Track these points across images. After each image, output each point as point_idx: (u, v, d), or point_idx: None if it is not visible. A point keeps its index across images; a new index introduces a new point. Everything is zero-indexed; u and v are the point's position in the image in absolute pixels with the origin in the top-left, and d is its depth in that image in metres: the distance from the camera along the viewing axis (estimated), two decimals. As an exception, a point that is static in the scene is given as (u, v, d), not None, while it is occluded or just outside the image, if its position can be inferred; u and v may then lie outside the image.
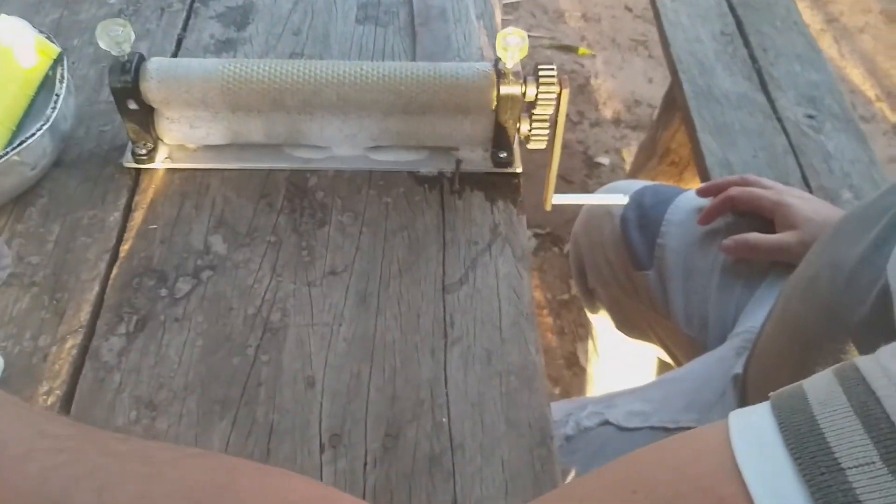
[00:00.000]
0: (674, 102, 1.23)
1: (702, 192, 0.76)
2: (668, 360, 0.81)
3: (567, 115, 1.93)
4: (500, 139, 0.60)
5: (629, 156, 1.72)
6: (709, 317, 0.70)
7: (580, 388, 1.30)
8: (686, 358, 0.75)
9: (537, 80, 0.56)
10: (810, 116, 1.05)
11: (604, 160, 1.71)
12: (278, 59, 0.69)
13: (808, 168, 0.96)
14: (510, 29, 0.55)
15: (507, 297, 0.54)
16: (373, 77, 0.56)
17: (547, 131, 0.60)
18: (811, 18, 2.10)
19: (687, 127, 1.09)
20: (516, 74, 0.56)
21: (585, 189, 1.65)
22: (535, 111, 0.58)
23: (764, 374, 0.52)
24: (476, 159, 0.62)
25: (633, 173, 1.44)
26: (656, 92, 1.88)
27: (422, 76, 0.57)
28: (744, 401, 0.54)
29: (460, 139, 0.60)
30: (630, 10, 2.12)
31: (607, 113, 1.83)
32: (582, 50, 1.96)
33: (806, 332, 0.47)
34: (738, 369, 0.57)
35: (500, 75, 0.57)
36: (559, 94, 0.57)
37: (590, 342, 1.06)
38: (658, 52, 1.98)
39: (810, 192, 0.92)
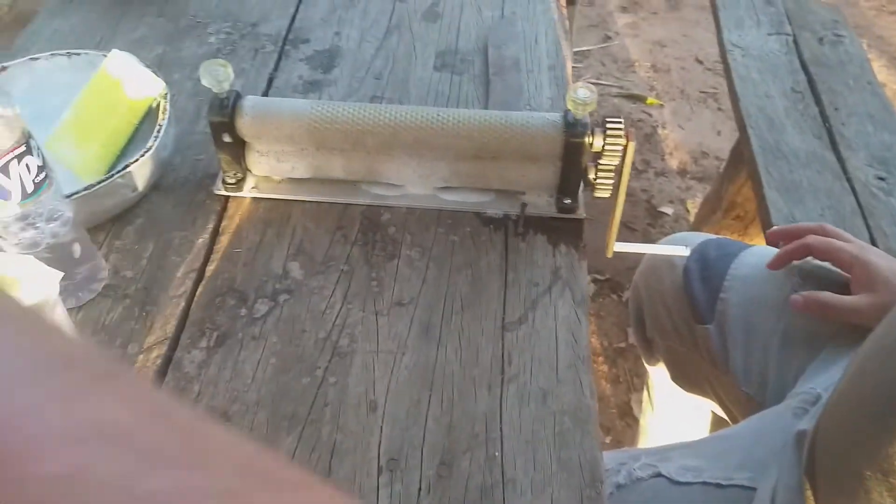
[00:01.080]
0: (741, 157, 1.24)
1: (773, 236, 0.74)
2: (723, 415, 0.81)
3: (633, 164, 1.94)
4: (565, 186, 0.63)
5: (693, 207, 1.72)
6: (768, 376, 0.70)
7: (632, 438, 1.29)
8: (742, 415, 0.75)
9: (605, 132, 0.59)
10: (881, 178, 1.04)
11: (668, 210, 1.71)
12: (361, 101, 0.74)
13: (876, 230, 0.95)
14: (580, 83, 0.58)
15: (565, 339, 0.56)
16: (448, 122, 0.60)
17: (612, 181, 0.62)
18: (887, 78, 2.07)
19: (753, 182, 1.09)
20: (584, 125, 0.59)
21: (647, 238, 1.65)
22: (601, 161, 0.61)
23: (834, 437, 0.52)
24: (541, 204, 0.64)
25: (697, 225, 1.44)
26: (724, 144, 1.88)
27: (494, 124, 0.60)
28: (811, 460, 0.54)
29: (527, 184, 0.63)
30: (701, 62, 2.13)
31: (673, 163, 1.83)
32: (650, 100, 1.98)
33: (881, 400, 0.47)
34: (803, 426, 0.57)
35: (569, 126, 0.59)
36: (625, 146, 0.59)
37: (644, 393, 1.06)
38: (727, 105, 1.98)
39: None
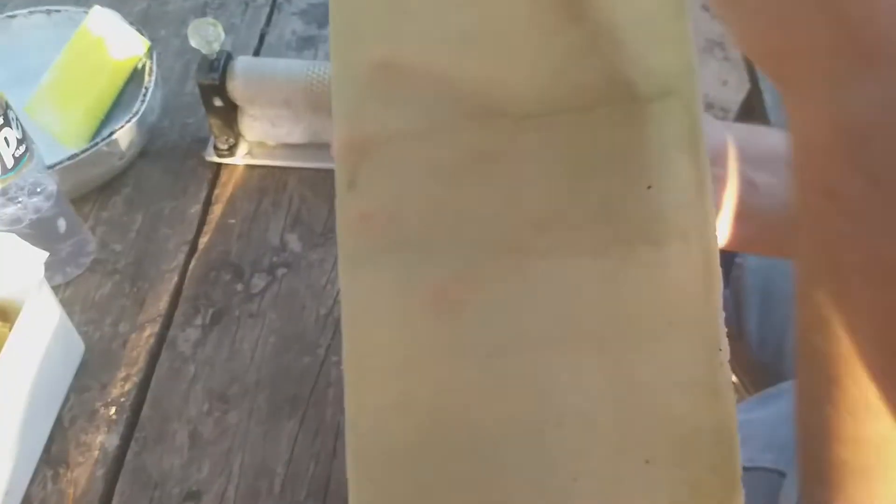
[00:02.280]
0: (752, 111, 1.20)
1: None
2: (733, 379, 0.79)
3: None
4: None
5: (698, 161, 1.68)
6: (785, 345, 0.68)
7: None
8: (753, 383, 0.73)
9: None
10: None
11: (671, 165, 1.67)
12: (358, 58, 0.70)
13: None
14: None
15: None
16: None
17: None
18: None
19: (765, 138, 1.05)
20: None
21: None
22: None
23: None
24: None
25: (703, 181, 1.40)
26: (730, 96, 1.83)
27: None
28: None
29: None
30: (707, 10, 2.05)
31: (677, 116, 1.79)
32: (655, 50, 1.92)
33: None
34: None
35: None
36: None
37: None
38: (735, 55, 1.93)
39: None
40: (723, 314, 0.30)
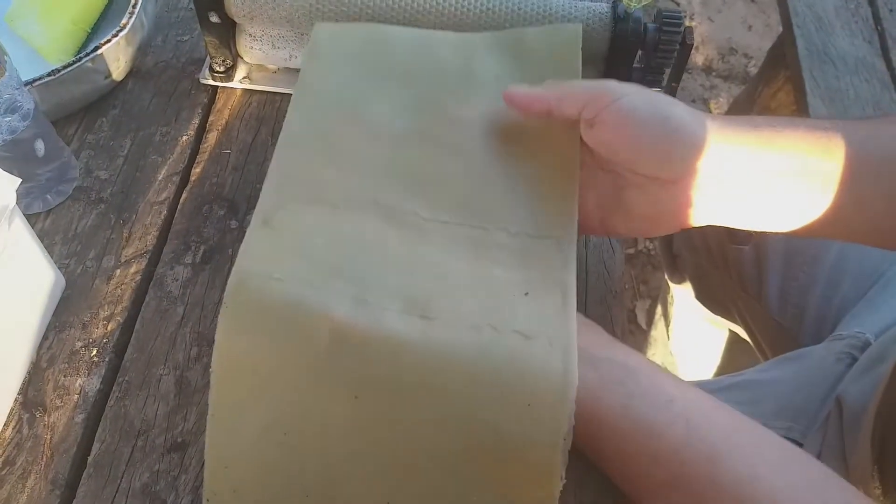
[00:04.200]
0: (781, 58, 1.13)
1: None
2: (748, 339, 0.76)
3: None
4: (605, 91, 0.54)
5: (717, 108, 1.62)
6: (807, 306, 0.64)
7: (636, 346, 1.26)
8: (770, 345, 0.70)
9: (659, 30, 0.50)
10: (937, 91, 0.95)
11: (689, 111, 1.61)
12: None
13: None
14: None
15: (596, 270, 0.50)
16: (473, 10, 0.51)
17: (661, 86, 0.54)
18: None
19: (795, 89, 1.00)
20: (637, 21, 0.50)
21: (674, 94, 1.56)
22: (651, 62, 0.52)
23: None
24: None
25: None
26: (754, 41, 1.75)
27: (528, 14, 0.51)
28: (880, 440, 0.48)
29: (562, 87, 0.55)
30: (737, -52, 1.95)
31: (698, 59, 1.71)
32: (679, -12, 1.83)
33: None
34: (845, 386, 0.52)
35: (618, 21, 0.50)
36: (681, 48, 0.51)
37: (659, 306, 1.01)
38: (762, -2, 1.84)
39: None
40: (573, 408, 0.35)
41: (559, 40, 0.47)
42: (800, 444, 0.53)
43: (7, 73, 0.43)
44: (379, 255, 0.39)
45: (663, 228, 0.44)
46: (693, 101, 1.63)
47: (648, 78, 0.53)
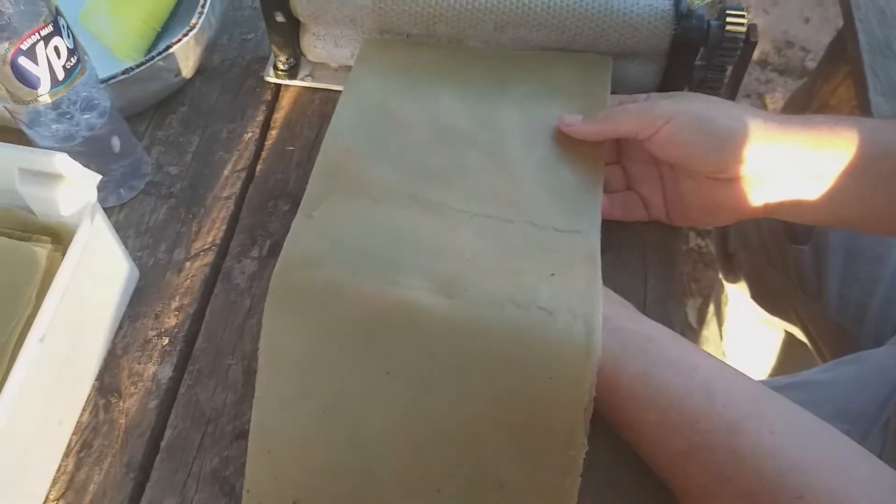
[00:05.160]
0: (842, 53, 1.10)
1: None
2: (805, 341, 0.75)
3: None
4: (667, 88, 0.54)
5: (772, 103, 1.59)
6: (870, 308, 0.63)
7: (686, 346, 1.25)
8: (829, 347, 0.69)
9: (723, 27, 0.50)
10: None
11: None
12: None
13: None
14: (702, -35, 0.48)
15: (656, 271, 0.49)
16: (534, 8, 0.51)
17: (722, 84, 0.54)
18: None
19: (856, 84, 0.97)
20: (700, 19, 0.50)
21: (737, 92, 1.53)
22: (713, 60, 0.52)
23: None
24: (635, 108, 0.56)
25: (779, 127, 1.32)
26: (811, 34, 1.71)
27: (589, 11, 0.51)
28: None
29: (621, 87, 0.55)
30: (794, -61, 1.90)
31: (754, 52, 1.68)
32: (734, -20, 1.79)
33: None
34: None
35: (681, 18, 0.50)
36: (746, 44, 0.51)
37: (712, 305, 1.00)
38: (821, -10, 1.79)
39: None
40: (594, 380, 0.37)
41: (589, 67, 0.52)
42: None
43: (87, 72, 0.45)
44: (411, 241, 0.42)
45: (722, 220, 0.48)
46: (748, 95, 1.60)
47: (710, 76, 0.53)
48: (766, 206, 0.45)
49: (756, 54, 1.76)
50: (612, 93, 0.51)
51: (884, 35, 1.00)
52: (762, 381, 0.68)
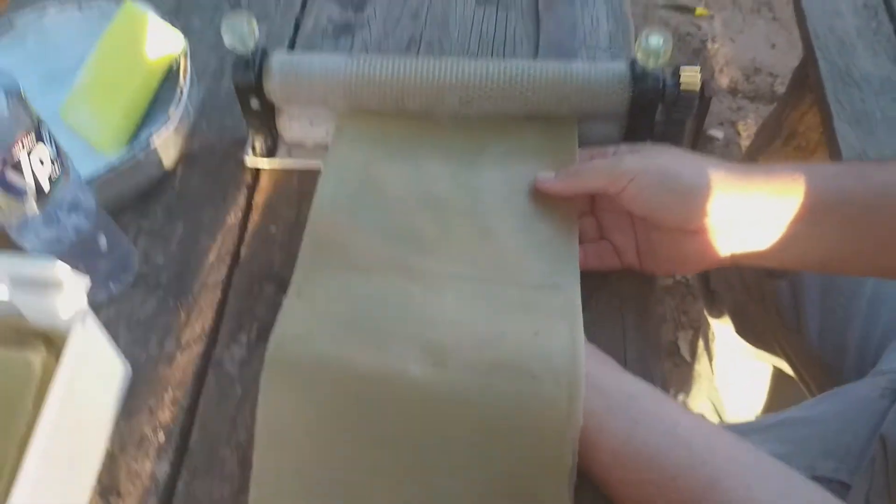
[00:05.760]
0: (804, 81, 1.14)
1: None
2: (792, 374, 0.76)
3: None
4: (630, 141, 0.56)
5: (745, 129, 1.62)
6: (847, 342, 0.65)
7: (681, 380, 1.26)
8: (815, 379, 0.70)
9: (678, 84, 0.52)
10: (967, 108, 0.94)
11: (717, 133, 1.61)
12: (397, 44, 0.67)
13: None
14: (653, 31, 0.51)
15: (634, 324, 0.51)
16: (497, 80, 0.53)
17: (683, 135, 0.56)
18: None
19: (821, 113, 1.00)
20: (655, 79, 0.52)
21: (697, 144, 1.56)
22: (671, 114, 0.54)
23: None
24: (604, 166, 0.58)
25: (753, 155, 1.35)
26: (779, 59, 1.75)
27: (549, 80, 0.53)
28: None
29: (588, 142, 0.56)
30: (754, -33, 1.96)
31: (723, 81, 1.72)
32: (699, 10, 1.84)
33: None
34: (887, 427, 0.52)
35: (637, 79, 0.52)
36: (701, 101, 0.53)
37: (701, 342, 1.01)
38: (783, 15, 1.84)
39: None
40: (576, 446, 0.39)
41: (556, 128, 0.54)
42: (847, 485, 0.53)
43: (71, 176, 0.46)
44: (399, 309, 0.44)
45: (690, 268, 0.52)
46: (721, 123, 1.63)
47: (670, 129, 0.55)
48: (732, 255, 0.47)
49: (725, 82, 1.80)
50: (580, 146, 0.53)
51: (844, 63, 1.03)
52: (755, 420, 0.69)
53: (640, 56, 0.51)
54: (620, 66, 0.54)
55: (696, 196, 0.45)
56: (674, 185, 0.45)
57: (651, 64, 0.52)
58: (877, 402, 0.56)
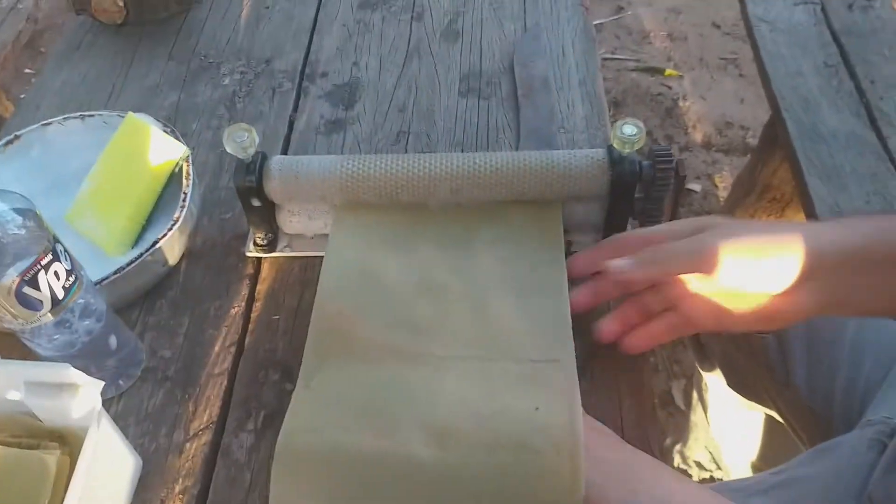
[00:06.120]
0: (774, 138, 1.19)
1: (576, 268, 0.56)
2: (783, 423, 0.78)
3: (655, 141, 1.87)
4: (612, 223, 0.59)
5: (721, 182, 1.67)
6: (834, 391, 0.67)
7: (676, 429, 1.27)
8: (805, 430, 0.72)
9: (653, 167, 0.55)
10: (929, 159, 0.99)
11: (695, 187, 1.67)
12: (387, 137, 0.71)
13: (929, 217, 0.91)
14: (626, 121, 0.55)
15: (629, 392, 0.53)
16: (485, 171, 0.56)
17: (661, 211, 0.59)
18: (917, 29, 1.98)
19: (793, 169, 1.04)
20: (632, 162, 0.56)
21: (675, 217, 1.61)
22: (649, 193, 0.57)
23: None
24: (587, 242, 0.61)
25: (730, 209, 1.40)
26: (748, 113, 1.82)
27: (532, 168, 0.56)
28: None
29: (572, 225, 0.60)
30: (718, 27, 2.05)
31: (697, 136, 1.78)
32: (669, 71, 1.92)
33: None
34: (873, 485, 0.54)
35: (615, 163, 0.56)
36: (676, 178, 0.56)
37: (694, 393, 1.03)
38: (748, 71, 1.92)
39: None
40: None
41: (542, 210, 0.58)
42: None
43: (84, 284, 0.49)
44: (402, 395, 0.47)
45: (777, 324, 0.49)
46: (698, 177, 1.69)
47: (649, 206, 0.58)
48: (818, 303, 0.47)
49: (699, 138, 1.87)
50: (566, 231, 0.57)
51: (810, 121, 1.08)
52: (753, 478, 0.70)
53: (616, 144, 0.55)
54: (599, 153, 0.57)
55: (786, 268, 0.45)
56: (763, 264, 0.45)
57: (627, 150, 0.55)
58: (866, 454, 0.58)
